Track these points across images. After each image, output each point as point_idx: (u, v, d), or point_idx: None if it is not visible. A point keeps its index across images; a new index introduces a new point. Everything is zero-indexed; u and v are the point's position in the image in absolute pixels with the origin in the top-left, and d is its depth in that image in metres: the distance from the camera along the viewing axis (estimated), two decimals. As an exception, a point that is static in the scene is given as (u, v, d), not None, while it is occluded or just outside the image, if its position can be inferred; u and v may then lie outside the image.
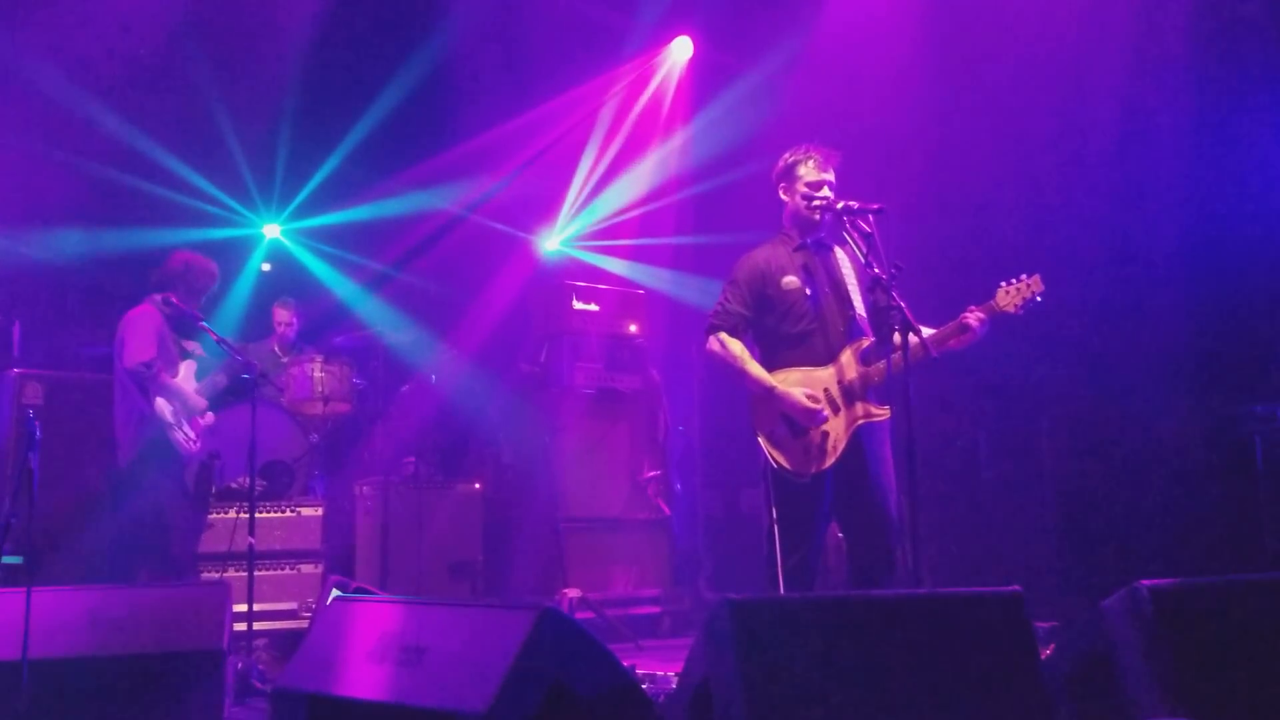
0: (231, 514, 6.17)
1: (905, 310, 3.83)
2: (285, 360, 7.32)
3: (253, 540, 5.39)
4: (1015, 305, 4.11)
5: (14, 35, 6.91)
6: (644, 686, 3.25)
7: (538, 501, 7.04)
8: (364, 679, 3.10)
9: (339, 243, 8.80)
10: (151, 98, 7.62)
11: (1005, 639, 2.85)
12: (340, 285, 8.73)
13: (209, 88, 7.78)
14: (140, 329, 5.59)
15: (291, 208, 8.66)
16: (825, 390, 4.16)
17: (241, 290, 8.19)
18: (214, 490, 6.24)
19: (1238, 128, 6.27)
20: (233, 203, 8.39)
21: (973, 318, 4.11)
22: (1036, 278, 4.12)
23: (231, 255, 8.02)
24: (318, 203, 8.62)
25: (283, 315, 7.63)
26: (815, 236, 4.41)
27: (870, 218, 4.05)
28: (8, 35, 6.89)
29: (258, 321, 7.84)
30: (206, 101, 7.81)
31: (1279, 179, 6.16)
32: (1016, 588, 2.92)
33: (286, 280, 8.50)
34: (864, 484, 4.16)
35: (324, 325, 7.98)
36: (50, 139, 7.21)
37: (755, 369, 4.26)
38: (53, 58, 7.06)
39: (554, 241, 9.33)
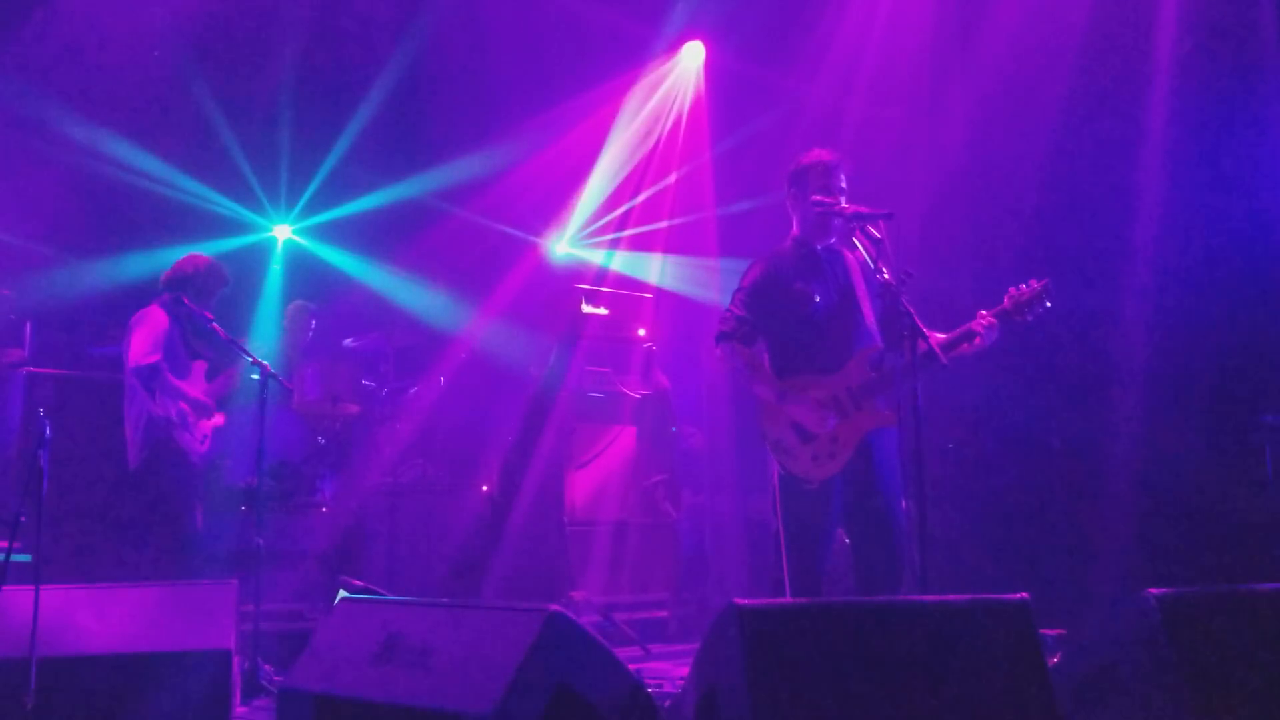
0: (240, 514, 6.18)
1: (914, 316, 3.82)
2: (295, 361, 7.34)
3: (260, 540, 5.40)
4: (1026, 310, 4.09)
5: (15, 57, 6.96)
6: (650, 691, 3.24)
7: (545, 504, 7.04)
8: (370, 680, 3.10)
9: (349, 243, 8.81)
10: (152, 108, 7.63)
11: (1013, 646, 2.84)
12: (351, 285, 8.74)
13: (206, 92, 7.79)
14: (146, 330, 5.58)
15: (299, 206, 8.68)
16: (834, 396, 4.15)
17: (267, 295, 8.22)
18: (223, 490, 6.26)
19: (1249, 134, 6.25)
20: (240, 208, 8.40)
21: (983, 323, 4.10)
22: (1047, 282, 4.09)
23: (245, 260, 8.03)
24: (326, 200, 8.63)
25: (295, 317, 7.65)
26: (825, 242, 4.40)
27: (880, 223, 4.03)
28: (11, 59, 6.94)
29: (276, 324, 7.86)
30: (204, 107, 7.81)
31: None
32: (1024, 595, 2.91)
33: (300, 280, 8.53)
34: (872, 490, 4.15)
35: (334, 327, 8.00)
36: (54, 157, 7.24)
37: (764, 375, 4.26)
38: (51, 78, 7.11)
39: (563, 245, 9.34)
